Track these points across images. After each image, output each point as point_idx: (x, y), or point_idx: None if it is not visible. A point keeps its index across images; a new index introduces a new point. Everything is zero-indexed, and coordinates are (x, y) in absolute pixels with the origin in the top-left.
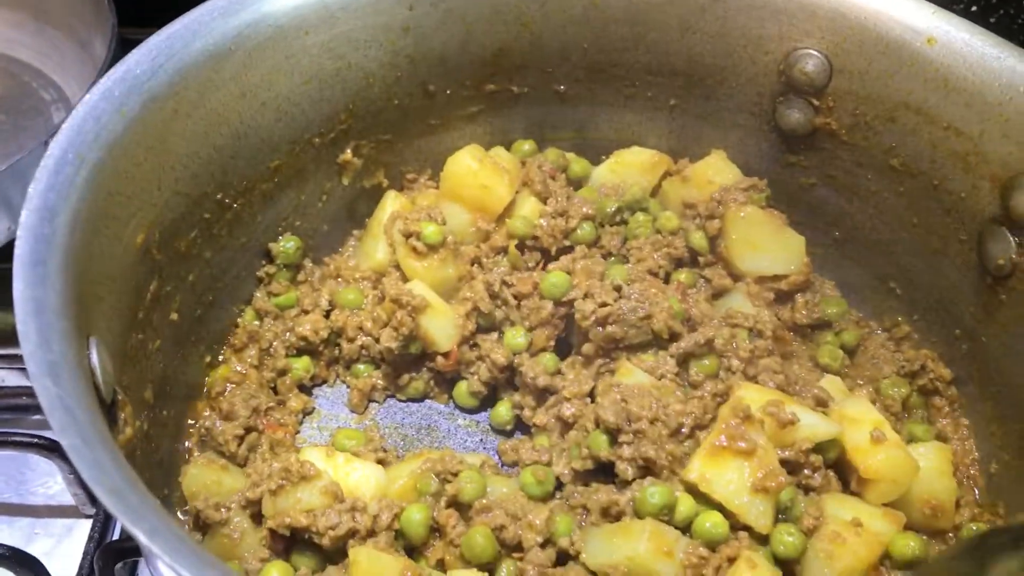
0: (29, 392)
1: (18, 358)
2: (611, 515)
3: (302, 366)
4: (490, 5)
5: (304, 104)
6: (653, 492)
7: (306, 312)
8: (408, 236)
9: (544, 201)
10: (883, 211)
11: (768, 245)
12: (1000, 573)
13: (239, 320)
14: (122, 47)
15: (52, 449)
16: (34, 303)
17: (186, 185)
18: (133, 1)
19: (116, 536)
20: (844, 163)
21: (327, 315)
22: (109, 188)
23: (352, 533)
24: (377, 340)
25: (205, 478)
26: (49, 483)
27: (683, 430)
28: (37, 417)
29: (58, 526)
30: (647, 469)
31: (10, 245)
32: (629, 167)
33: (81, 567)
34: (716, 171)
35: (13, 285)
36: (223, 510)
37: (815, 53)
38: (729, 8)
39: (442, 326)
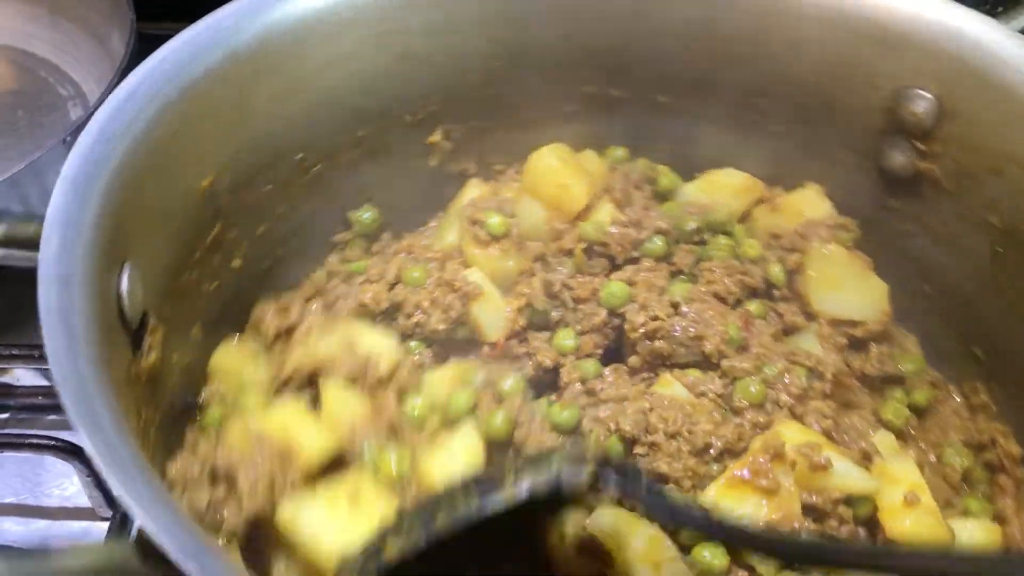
0: (45, 392)
1: (34, 358)
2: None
3: None
4: (597, 6)
5: (396, 81)
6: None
7: (371, 282)
8: (473, 223)
9: (621, 209)
10: (978, 270)
11: (847, 287)
12: None
13: (309, 277)
14: (140, 42)
15: (70, 451)
16: (65, 216)
17: (264, 140)
18: None
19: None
20: (944, 214)
21: (391, 288)
22: (177, 129)
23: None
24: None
25: (230, 360)
26: (65, 484)
27: (711, 451)
28: (53, 417)
29: (74, 528)
30: (663, 481)
31: None
32: (720, 188)
33: None
34: (809, 204)
35: (49, 206)
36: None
37: (926, 94)
38: (843, 38)
39: (492, 316)
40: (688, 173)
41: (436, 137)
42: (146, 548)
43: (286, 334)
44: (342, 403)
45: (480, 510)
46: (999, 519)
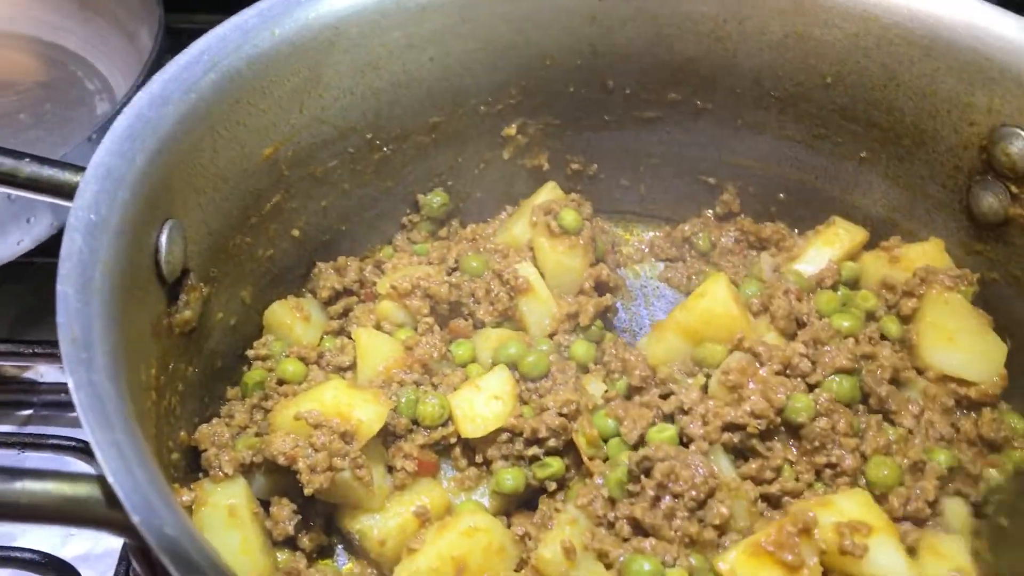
0: (67, 388)
1: (56, 356)
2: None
3: None
4: (685, 11)
5: (475, 69)
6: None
7: (430, 263)
8: (547, 213)
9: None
10: None
11: (964, 343)
12: None
13: (368, 255)
14: (168, 37)
15: (90, 452)
16: (104, 169)
17: (333, 116)
18: None
19: None
20: None
21: (450, 273)
22: (239, 96)
23: None
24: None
25: (283, 317)
26: None
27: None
28: (74, 414)
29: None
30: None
31: (55, 239)
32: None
33: (116, 572)
34: (933, 261)
35: (91, 158)
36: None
37: (1023, 134)
38: (940, 66)
39: (538, 315)
40: (773, 193)
41: (511, 130)
42: (111, 492)
43: (346, 293)
44: (375, 346)
45: None
46: None
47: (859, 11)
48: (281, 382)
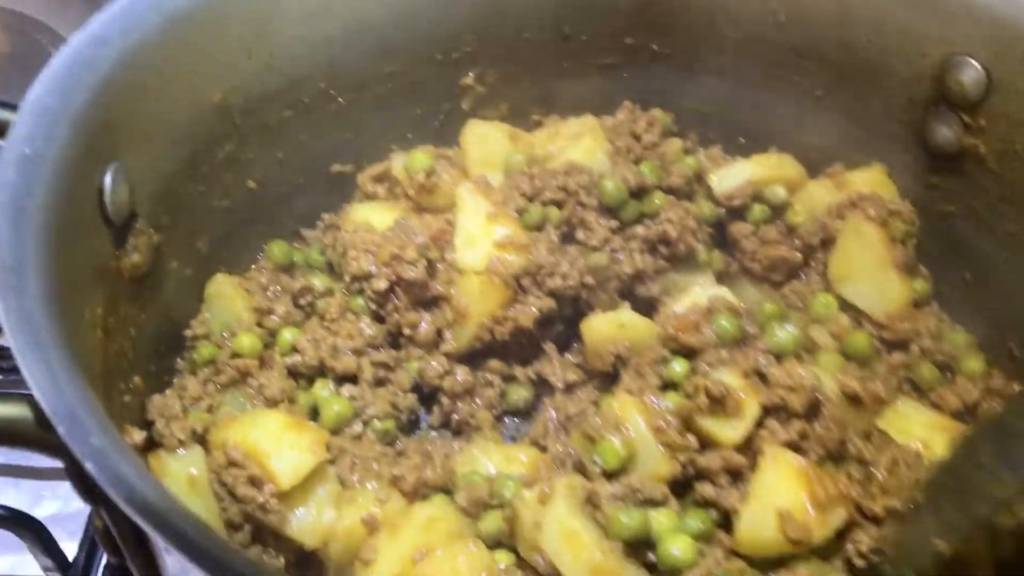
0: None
1: None
2: None
3: None
4: None
5: (427, 16)
6: None
7: None
8: None
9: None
10: (1020, 257)
11: (863, 275)
12: None
13: (330, 211)
14: None
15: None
16: (40, 105)
17: (284, 63)
18: None
19: None
20: (987, 195)
21: None
22: (186, 39)
23: None
24: None
25: (223, 292)
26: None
27: None
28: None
29: (65, 488)
30: None
31: None
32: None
33: (86, 531)
34: (876, 186)
35: (29, 91)
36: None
37: (974, 63)
38: None
39: None
40: (733, 136)
41: (469, 79)
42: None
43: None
44: None
45: None
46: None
47: None
48: (235, 355)
